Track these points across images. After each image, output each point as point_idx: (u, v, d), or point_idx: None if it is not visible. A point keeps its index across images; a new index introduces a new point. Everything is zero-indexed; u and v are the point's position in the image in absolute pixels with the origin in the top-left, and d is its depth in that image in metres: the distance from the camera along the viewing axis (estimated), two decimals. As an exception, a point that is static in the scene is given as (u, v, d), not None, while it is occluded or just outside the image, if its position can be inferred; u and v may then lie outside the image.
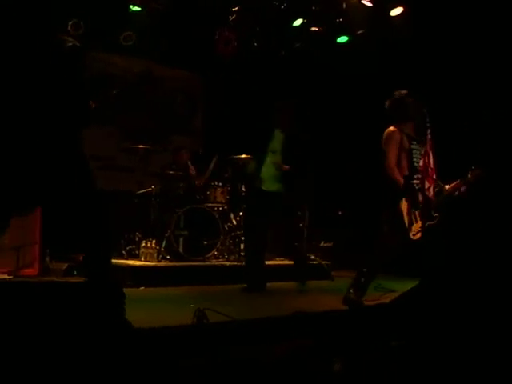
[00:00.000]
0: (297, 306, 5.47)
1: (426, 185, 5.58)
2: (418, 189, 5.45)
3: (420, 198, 5.44)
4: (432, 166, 5.64)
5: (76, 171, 4.02)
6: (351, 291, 5.46)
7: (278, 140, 6.76)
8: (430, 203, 5.52)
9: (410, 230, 5.34)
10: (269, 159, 6.67)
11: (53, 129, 3.92)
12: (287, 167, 6.67)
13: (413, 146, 5.49)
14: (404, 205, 5.31)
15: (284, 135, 6.76)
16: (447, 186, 5.67)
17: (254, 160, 7.00)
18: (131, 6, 8.02)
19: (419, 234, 5.39)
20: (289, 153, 6.73)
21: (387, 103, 5.65)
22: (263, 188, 6.64)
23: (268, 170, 6.65)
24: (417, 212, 5.39)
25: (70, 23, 7.35)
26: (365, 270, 5.52)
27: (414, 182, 5.45)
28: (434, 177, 5.63)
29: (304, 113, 7.79)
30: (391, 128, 5.49)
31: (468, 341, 3.48)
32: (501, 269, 4.02)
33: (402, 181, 5.32)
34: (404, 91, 5.60)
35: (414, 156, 5.49)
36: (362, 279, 5.50)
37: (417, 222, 5.39)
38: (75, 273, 6.44)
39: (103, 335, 3.04)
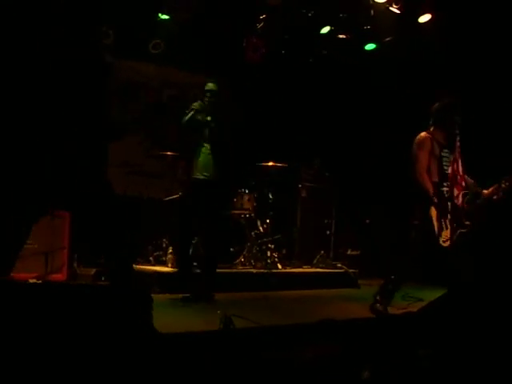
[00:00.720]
0: (323, 313, 5.45)
1: (455, 192, 5.52)
2: (448, 196, 5.41)
3: (449, 205, 5.40)
4: (461, 173, 5.59)
5: (96, 180, 4.06)
6: (378, 298, 5.43)
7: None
8: (459, 210, 5.47)
9: (440, 236, 5.30)
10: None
11: (84, 137, 3.97)
12: None
13: (443, 154, 5.47)
14: (433, 211, 5.29)
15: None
16: (485, 191, 5.61)
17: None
18: (159, 15, 8.08)
19: (449, 242, 5.34)
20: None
21: (435, 106, 5.64)
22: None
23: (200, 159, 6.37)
24: (447, 219, 5.35)
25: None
26: (393, 277, 5.49)
27: (444, 189, 5.42)
28: (463, 184, 5.58)
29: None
30: (423, 134, 5.49)
31: (496, 351, 3.43)
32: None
33: (431, 187, 5.30)
34: (452, 100, 5.60)
35: (444, 163, 5.47)
36: (390, 286, 5.47)
37: (447, 228, 5.34)
38: (103, 278, 6.48)
39: (130, 340, 3.05)
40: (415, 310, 5.04)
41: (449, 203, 5.40)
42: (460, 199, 5.54)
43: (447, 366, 3.41)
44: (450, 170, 5.59)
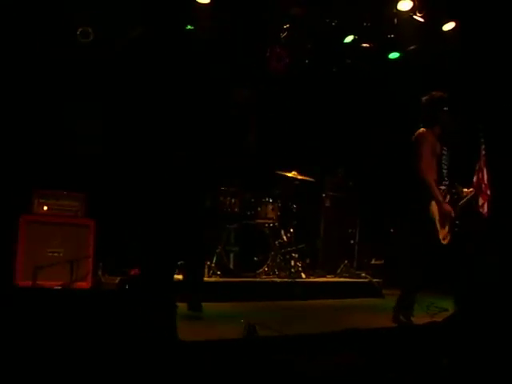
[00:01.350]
0: (347, 323, 5.43)
1: (480, 201, 5.49)
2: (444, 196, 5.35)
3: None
4: (486, 182, 5.55)
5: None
6: (398, 310, 5.40)
7: None
8: (481, 219, 5.44)
9: (440, 233, 5.24)
10: None
11: None
12: None
13: (443, 152, 5.40)
14: (435, 208, 5.20)
15: None
16: (466, 190, 5.52)
17: None
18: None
19: (448, 239, 5.28)
20: None
21: (422, 102, 5.54)
22: None
23: None
24: (445, 218, 5.27)
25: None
26: (407, 286, 5.45)
27: (441, 187, 5.34)
28: (489, 193, 5.53)
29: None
30: (423, 129, 5.39)
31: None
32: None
33: (433, 184, 5.20)
34: (438, 94, 5.49)
35: (443, 162, 5.40)
36: (406, 296, 5.43)
37: (444, 227, 5.28)
38: (127, 286, 6.52)
39: (153, 345, 3.07)
40: (440, 319, 5.02)
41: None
42: (485, 208, 5.50)
43: (469, 375, 3.38)
44: (475, 179, 5.55)
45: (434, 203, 5.23)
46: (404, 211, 5.87)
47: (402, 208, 9.39)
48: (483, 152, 5.69)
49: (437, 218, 5.20)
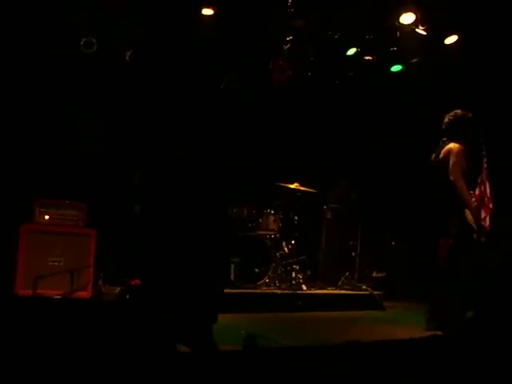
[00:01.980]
0: (348, 335, 5.41)
1: (483, 214, 5.49)
2: None
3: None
4: (488, 195, 5.55)
5: None
6: (444, 321, 5.43)
7: None
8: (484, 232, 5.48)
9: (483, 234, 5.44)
10: None
11: None
12: None
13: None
14: (469, 215, 5.35)
15: None
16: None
17: None
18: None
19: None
20: None
21: (449, 118, 5.71)
22: None
23: None
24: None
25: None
26: (450, 293, 5.50)
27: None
28: (491, 206, 5.54)
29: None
30: (458, 144, 5.59)
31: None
32: None
33: (468, 194, 5.36)
34: (462, 111, 5.65)
35: (467, 178, 5.54)
36: (452, 302, 5.49)
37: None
38: (127, 296, 6.51)
39: (152, 356, 3.06)
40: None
41: None
42: (487, 221, 5.50)
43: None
44: (477, 192, 5.57)
45: (467, 211, 5.45)
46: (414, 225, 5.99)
47: (405, 221, 9.44)
48: (485, 165, 5.70)
49: (472, 220, 5.37)
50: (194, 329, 3.83)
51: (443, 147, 5.71)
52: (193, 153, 4.01)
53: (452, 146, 5.63)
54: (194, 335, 3.77)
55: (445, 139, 5.76)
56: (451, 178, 5.47)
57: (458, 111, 5.77)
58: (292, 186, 8.34)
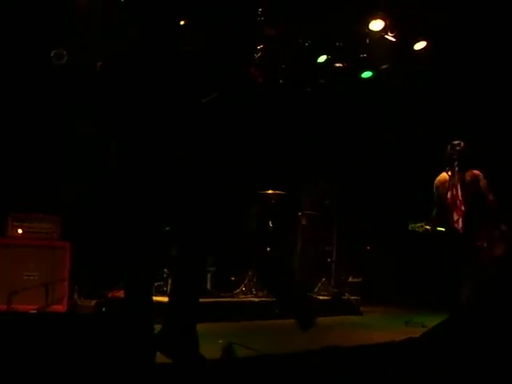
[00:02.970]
0: (327, 341, 5.41)
1: (455, 217, 5.56)
2: None
3: None
4: (460, 198, 5.63)
5: None
6: None
7: None
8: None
9: None
10: None
11: None
12: None
13: None
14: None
15: None
16: None
17: None
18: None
19: None
20: None
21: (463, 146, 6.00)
22: None
23: None
24: None
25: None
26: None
27: None
28: (463, 209, 5.62)
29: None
30: (477, 171, 6.04)
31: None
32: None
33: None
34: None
35: None
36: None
37: None
38: (103, 309, 6.46)
39: (130, 369, 3.04)
40: (417, 335, 5.03)
41: None
42: (460, 223, 5.57)
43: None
44: (449, 195, 5.64)
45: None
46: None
47: (380, 226, 9.51)
48: (456, 168, 5.78)
49: None
50: (178, 338, 3.80)
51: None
52: (193, 153, 3.97)
53: (475, 172, 6.00)
54: (177, 345, 3.73)
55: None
56: (491, 199, 5.92)
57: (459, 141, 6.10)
58: (266, 192, 8.35)
